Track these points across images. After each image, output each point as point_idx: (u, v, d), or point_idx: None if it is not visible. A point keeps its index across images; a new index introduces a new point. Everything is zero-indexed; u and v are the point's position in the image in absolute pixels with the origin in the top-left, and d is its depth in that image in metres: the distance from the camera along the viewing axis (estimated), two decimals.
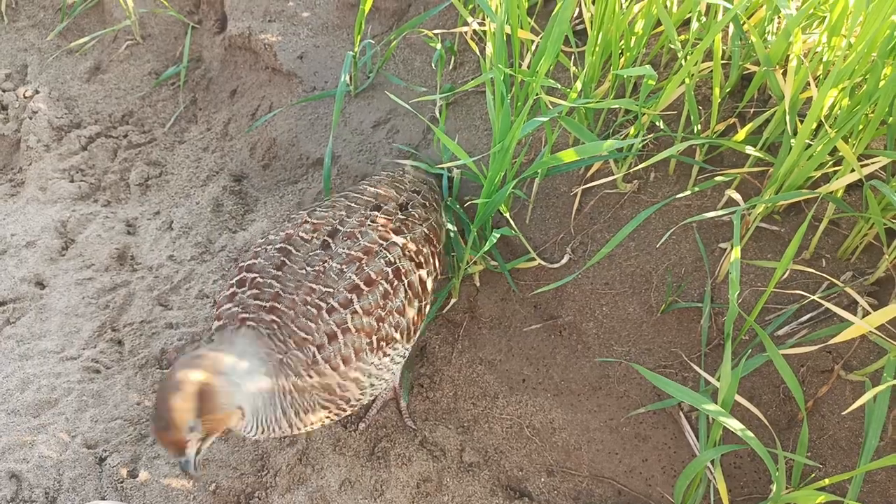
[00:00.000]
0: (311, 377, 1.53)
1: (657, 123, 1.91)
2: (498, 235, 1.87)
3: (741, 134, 1.81)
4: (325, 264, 1.62)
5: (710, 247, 1.88)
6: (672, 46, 1.82)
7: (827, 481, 1.43)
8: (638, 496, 1.86)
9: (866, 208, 1.65)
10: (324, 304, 1.56)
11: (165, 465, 1.91)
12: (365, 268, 1.63)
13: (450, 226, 2.03)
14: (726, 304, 1.78)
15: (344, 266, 1.62)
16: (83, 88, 3.18)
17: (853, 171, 1.56)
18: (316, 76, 2.74)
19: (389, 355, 1.68)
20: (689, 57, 1.70)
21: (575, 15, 2.31)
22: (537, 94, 1.83)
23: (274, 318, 1.54)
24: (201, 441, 1.38)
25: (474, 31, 2.40)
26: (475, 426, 2.01)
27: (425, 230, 1.83)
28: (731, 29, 1.87)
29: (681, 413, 1.85)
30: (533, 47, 2.04)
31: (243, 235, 2.53)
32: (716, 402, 1.48)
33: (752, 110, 1.95)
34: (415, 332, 1.77)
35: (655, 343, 1.90)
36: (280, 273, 1.61)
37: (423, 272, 1.77)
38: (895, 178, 1.69)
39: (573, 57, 2.19)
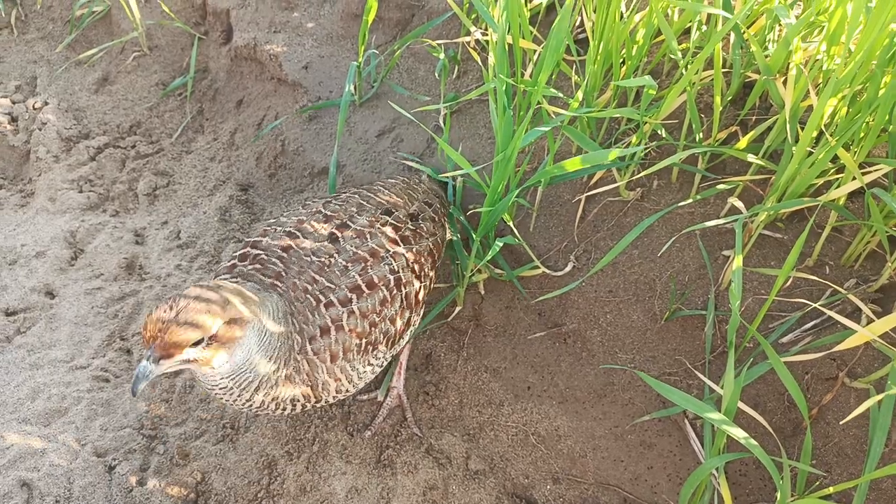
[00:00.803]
0: (297, 361, 1.54)
1: (659, 132, 1.92)
2: (501, 244, 1.89)
3: (743, 142, 1.81)
4: (331, 258, 1.63)
5: (713, 254, 1.89)
6: (673, 56, 1.83)
7: (832, 489, 1.43)
8: None
9: (869, 216, 1.65)
10: (323, 298, 1.57)
11: (174, 473, 1.93)
12: (369, 270, 1.65)
13: (454, 235, 2.04)
14: (730, 311, 1.78)
15: (349, 264, 1.63)
16: (91, 99, 3.22)
17: (854, 178, 1.57)
18: (321, 86, 2.76)
19: (372, 364, 1.70)
20: (690, 66, 1.71)
21: (576, 24, 2.32)
22: (539, 104, 1.85)
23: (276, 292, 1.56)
24: (172, 365, 1.35)
25: (477, 40, 2.42)
26: (481, 434, 2.02)
27: (430, 245, 1.85)
28: (732, 38, 1.88)
29: (686, 420, 1.85)
30: (535, 57, 2.06)
31: None
32: (720, 411, 1.48)
33: (754, 118, 1.95)
34: (398, 341, 1.79)
35: (659, 350, 1.91)
36: (285, 255, 1.63)
37: (419, 285, 1.79)
38: None
39: (575, 66, 2.20)
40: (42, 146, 2.95)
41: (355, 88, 2.60)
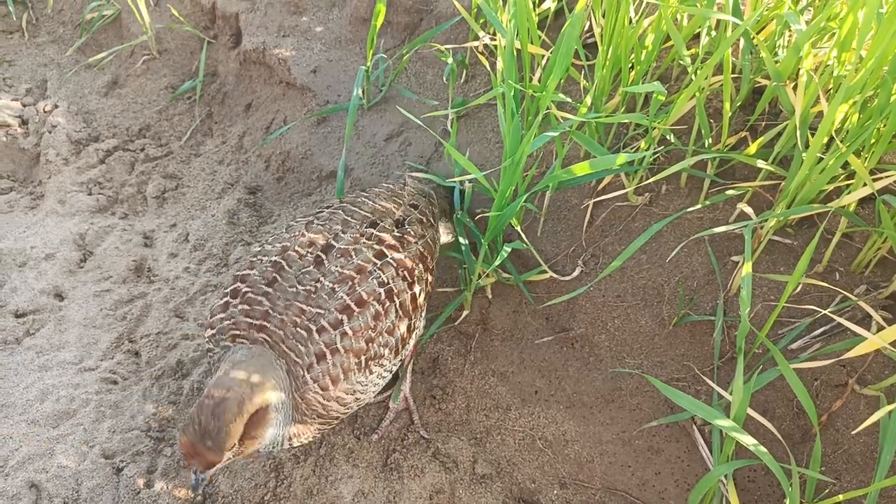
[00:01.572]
0: (301, 397, 1.56)
1: (668, 137, 1.92)
2: (509, 249, 1.88)
3: (752, 147, 1.81)
4: (318, 283, 1.62)
5: (722, 260, 1.88)
6: (682, 62, 1.83)
7: (841, 497, 1.43)
8: None
9: (879, 222, 1.65)
10: (314, 326, 1.57)
11: (181, 477, 1.93)
12: (357, 287, 1.63)
13: (461, 239, 2.04)
14: (739, 317, 1.78)
15: (336, 285, 1.62)
16: (101, 103, 3.24)
17: (865, 185, 1.56)
18: (329, 90, 2.77)
19: (375, 372, 1.69)
20: (699, 71, 1.71)
21: (585, 29, 2.32)
22: (548, 109, 1.85)
23: (264, 336, 1.56)
24: (218, 470, 1.45)
25: (485, 45, 2.42)
26: (488, 438, 2.02)
27: (420, 248, 1.83)
28: (742, 43, 1.87)
29: (694, 426, 1.84)
30: (543, 62, 2.06)
31: (258, 248, 2.57)
32: (728, 417, 1.48)
33: (764, 124, 1.95)
34: (403, 348, 1.78)
35: (668, 356, 1.91)
36: (270, 290, 1.62)
37: (416, 289, 1.78)
38: None
39: (583, 71, 2.20)
40: (52, 149, 2.97)
41: (363, 92, 2.61)
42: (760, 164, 1.76)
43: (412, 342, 1.85)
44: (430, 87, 2.64)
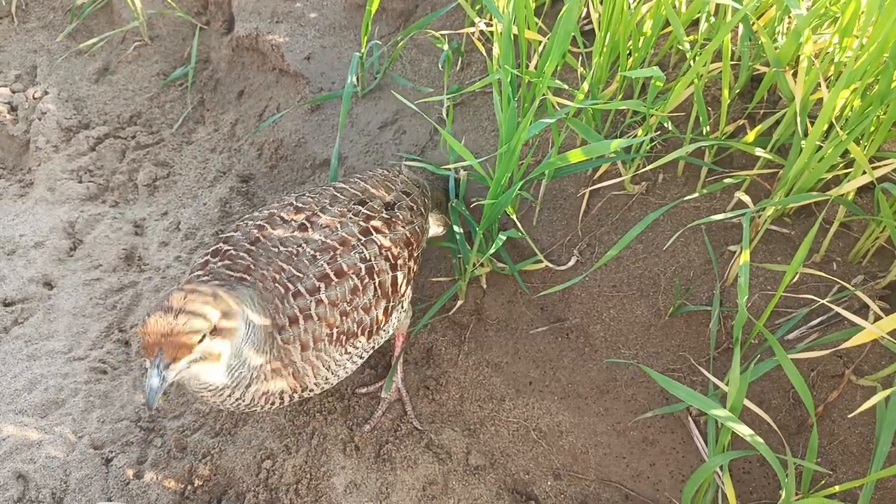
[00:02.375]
0: (279, 351, 1.53)
1: (665, 125, 1.89)
2: (504, 237, 1.86)
3: (751, 135, 1.79)
4: (300, 248, 1.62)
5: (718, 249, 1.86)
6: (681, 47, 1.80)
7: (837, 488, 1.41)
8: (645, 501, 1.84)
9: (878, 211, 1.63)
10: (291, 287, 1.55)
11: (172, 466, 1.91)
12: (338, 259, 1.63)
13: (456, 227, 2.02)
14: (736, 307, 1.76)
15: (318, 253, 1.62)
16: (92, 89, 3.19)
17: (865, 173, 1.54)
18: (323, 77, 2.74)
19: (349, 353, 1.68)
20: (697, 58, 1.68)
21: (583, 15, 2.29)
22: (544, 95, 1.82)
23: (245, 284, 1.54)
24: (182, 367, 1.32)
25: (481, 31, 2.39)
26: (481, 429, 2.00)
27: (407, 233, 1.82)
28: (741, 29, 1.85)
29: (689, 417, 1.83)
30: (540, 48, 2.03)
31: None
32: (724, 407, 1.46)
33: (762, 112, 1.92)
34: (377, 332, 1.76)
35: (663, 346, 1.89)
36: (253, 248, 1.62)
37: (399, 274, 1.76)
38: None
39: (581, 58, 2.17)
40: (42, 136, 2.93)
41: (358, 80, 2.57)
42: (759, 152, 1.74)
43: (390, 329, 1.83)
44: (425, 75, 2.60)
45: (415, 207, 1.92)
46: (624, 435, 1.90)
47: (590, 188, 2.02)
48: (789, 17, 1.85)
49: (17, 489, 1.84)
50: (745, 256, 1.52)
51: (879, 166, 1.57)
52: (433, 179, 2.21)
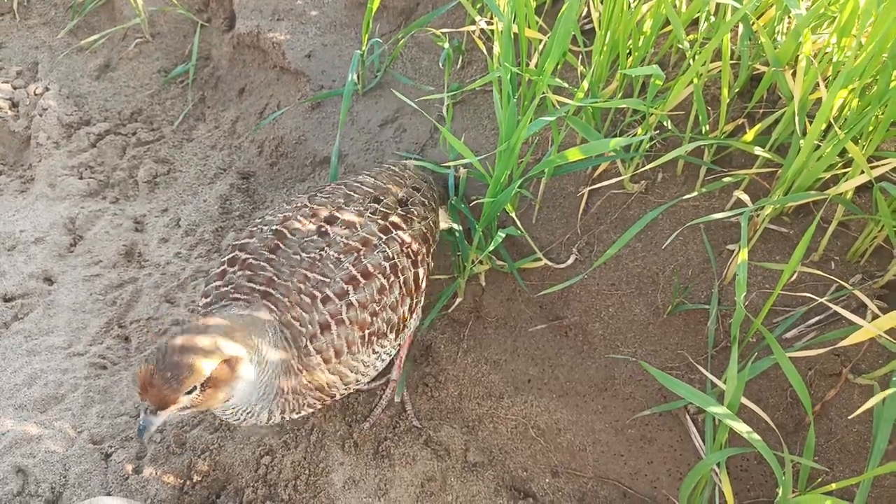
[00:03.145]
0: (300, 369, 1.51)
1: (665, 123, 1.90)
2: (503, 235, 1.87)
3: (750, 134, 1.79)
4: (322, 252, 1.59)
5: (717, 248, 1.87)
6: (680, 46, 1.80)
7: (834, 486, 1.42)
8: (643, 498, 1.85)
9: (876, 210, 1.63)
10: (318, 294, 1.53)
11: (171, 462, 1.92)
12: (363, 259, 1.61)
13: (455, 225, 2.02)
14: (734, 305, 1.77)
15: (342, 255, 1.59)
16: (93, 86, 3.20)
17: (863, 172, 1.55)
18: (324, 75, 2.74)
19: (377, 352, 1.67)
20: (697, 57, 1.69)
21: (583, 14, 2.30)
22: (544, 94, 1.83)
23: (269, 304, 1.51)
24: (171, 414, 1.33)
25: (482, 30, 2.39)
26: (480, 426, 2.01)
27: (423, 228, 1.82)
28: (741, 29, 1.85)
29: (687, 415, 1.83)
30: (540, 46, 2.04)
31: None
32: (722, 405, 1.47)
33: (761, 111, 1.93)
34: (403, 329, 1.76)
35: (662, 345, 1.89)
36: (273, 257, 1.58)
37: (420, 270, 1.76)
38: None
39: (581, 56, 2.18)
40: (42, 132, 2.94)
41: (358, 77, 2.58)
42: (758, 151, 1.75)
43: (412, 325, 1.83)
44: (425, 73, 2.61)
45: (426, 202, 1.92)
46: (622, 433, 1.91)
47: (589, 187, 2.03)
48: (789, 17, 1.86)
49: (16, 483, 1.85)
50: (743, 255, 1.53)
51: (877, 166, 1.58)
52: (436, 177, 2.22)
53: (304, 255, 1.58)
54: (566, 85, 1.88)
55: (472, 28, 2.35)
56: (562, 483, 1.91)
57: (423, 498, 1.87)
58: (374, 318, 1.61)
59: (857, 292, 1.60)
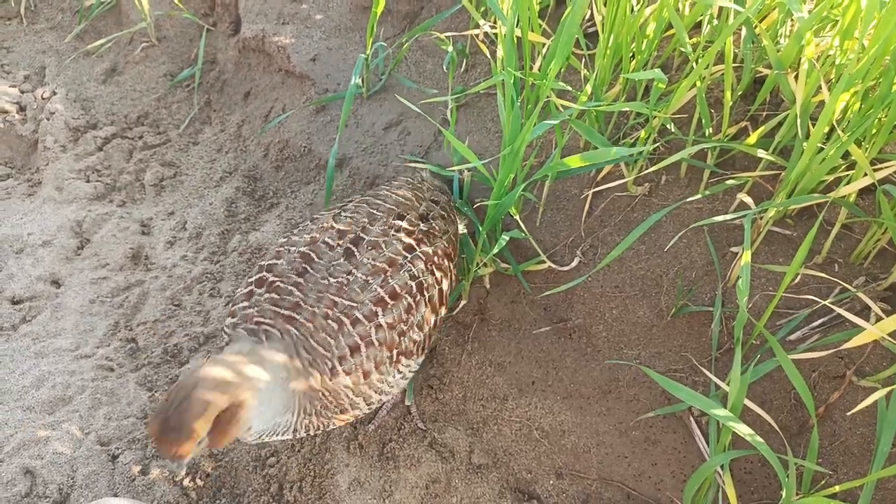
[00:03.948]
0: (325, 392, 1.52)
1: (668, 126, 1.90)
2: (507, 238, 1.87)
3: (753, 137, 1.80)
4: (350, 276, 1.59)
5: (721, 250, 1.87)
6: (683, 49, 1.81)
7: (838, 488, 1.42)
8: (647, 500, 1.85)
9: (879, 213, 1.64)
10: (347, 318, 1.54)
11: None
12: (390, 280, 1.62)
13: (460, 227, 2.03)
14: (737, 308, 1.77)
15: (369, 277, 1.60)
16: (99, 90, 3.22)
17: (866, 175, 1.55)
18: (328, 78, 2.76)
19: (402, 372, 1.68)
20: (700, 60, 1.70)
21: (586, 18, 2.31)
22: (548, 97, 1.84)
23: (292, 328, 1.51)
24: (187, 461, 1.34)
25: (486, 33, 2.40)
26: (484, 428, 2.02)
27: (444, 243, 1.83)
28: (743, 32, 1.86)
29: (691, 417, 1.84)
30: (544, 50, 2.05)
31: (256, 236, 2.56)
32: (726, 407, 1.47)
33: (764, 114, 1.93)
34: (427, 345, 1.77)
35: (665, 347, 1.90)
36: (301, 281, 1.58)
37: (444, 285, 1.77)
38: None
39: (584, 60, 2.19)
40: (50, 136, 2.96)
41: (363, 81, 2.59)
42: (761, 153, 1.75)
43: (433, 339, 1.84)
44: (429, 76, 2.62)
45: (446, 215, 1.94)
46: (626, 434, 1.91)
47: (593, 189, 2.03)
48: (791, 20, 1.86)
49: (24, 484, 1.86)
50: (746, 257, 1.53)
51: (881, 168, 1.58)
52: (442, 180, 2.23)
53: (331, 279, 1.59)
54: (569, 88, 1.89)
55: (476, 32, 2.36)
56: (566, 485, 1.92)
57: (428, 500, 1.87)
58: (402, 338, 1.62)
59: (860, 294, 1.60)
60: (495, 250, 1.86)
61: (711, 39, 1.89)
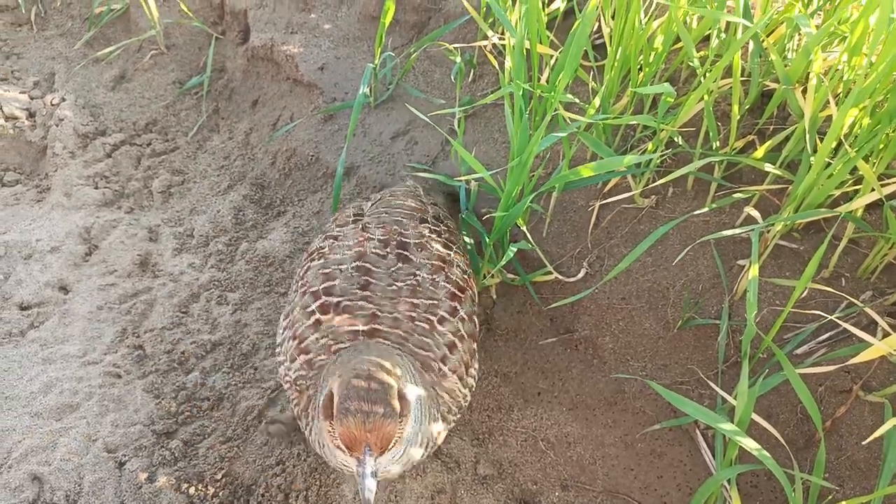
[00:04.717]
0: (443, 391, 1.50)
1: (676, 139, 1.91)
2: (515, 249, 1.88)
3: (760, 151, 1.80)
4: (415, 277, 1.57)
5: (727, 264, 1.88)
6: (691, 63, 1.82)
7: (844, 503, 1.42)
8: None
9: (886, 228, 1.64)
10: (433, 317, 1.52)
11: (184, 470, 1.93)
12: (451, 275, 1.63)
13: (467, 238, 2.04)
14: (744, 321, 1.77)
15: (434, 275, 1.60)
16: (108, 97, 3.25)
17: (873, 190, 1.56)
18: (336, 87, 2.77)
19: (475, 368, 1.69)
20: (708, 74, 1.70)
21: (594, 30, 2.32)
22: (556, 109, 1.85)
23: (380, 340, 1.46)
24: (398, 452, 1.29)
25: (494, 44, 2.42)
26: (490, 438, 2.02)
27: (462, 240, 1.88)
28: (751, 46, 1.87)
29: (697, 430, 1.84)
30: (552, 62, 2.06)
31: (263, 244, 2.57)
32: (732, 421, 1.47)
33: (772, 128, 1.94)
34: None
35: (672, 359, 1.90)
36: (369, 293, 1.54)
37: (472, 281, 1.79)
38: None
39: (592, 72, 2.20)
40: (59, 142, 2.98)
41: (371, 90, 2.61)
42: (768, 167, 1.76)
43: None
44: (437, 86, 2.63)
45: (449, 214, 1.98)
46: (632, 447, 1.91)
47: (600, 201, 2.04)
48: (799, 34, 1.87)
49: (32, 491, 1.87)
50: (753, 271, 1.53)
51: (888, 183, 1.58)
52: (444, 189, 2.24)
53: (399, 284, 1.56)
54: (577, 100, 1.90)
55: (484, 43, 2.37)
56: (571, 497, 1.92)
57: None
58: (475, 329, 1.66)
59: (867, 309, 1.61)
60: (504, 262, 1.87)
61: (719, 53, 1.90)
